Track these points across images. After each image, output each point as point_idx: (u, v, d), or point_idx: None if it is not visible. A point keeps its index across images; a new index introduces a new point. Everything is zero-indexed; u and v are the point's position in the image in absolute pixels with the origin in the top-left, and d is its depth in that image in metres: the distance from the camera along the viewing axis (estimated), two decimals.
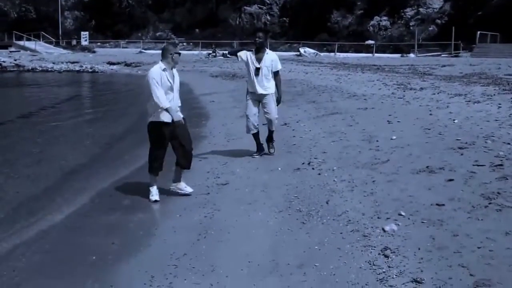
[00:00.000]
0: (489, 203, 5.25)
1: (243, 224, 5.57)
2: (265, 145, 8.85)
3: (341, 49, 50.43)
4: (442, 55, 41.10)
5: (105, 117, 16.03)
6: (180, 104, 6.70)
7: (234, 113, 13.80)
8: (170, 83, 6.43)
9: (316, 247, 4.73)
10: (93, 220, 6.09)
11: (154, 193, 6.67)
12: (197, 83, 22.78)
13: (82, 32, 58.08)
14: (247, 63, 8.45)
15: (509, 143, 7.54)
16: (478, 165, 6.62)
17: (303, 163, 7.91)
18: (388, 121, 10.50)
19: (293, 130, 10.88)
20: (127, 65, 42.02)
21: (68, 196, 7.16)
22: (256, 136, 8.72)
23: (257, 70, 8.30)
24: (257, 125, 8.56)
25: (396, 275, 4.02)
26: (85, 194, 7.19)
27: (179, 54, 6.64)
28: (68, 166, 8.98)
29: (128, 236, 5.50)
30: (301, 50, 46.85)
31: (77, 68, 39.13)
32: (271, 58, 8.43)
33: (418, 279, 3.91)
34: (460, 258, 4.17)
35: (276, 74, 8.48)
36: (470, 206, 5.24)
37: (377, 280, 3.98)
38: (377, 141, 8.80)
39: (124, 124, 14.02)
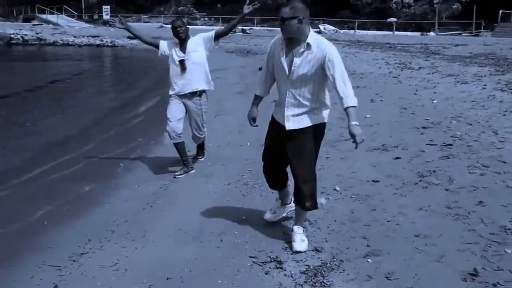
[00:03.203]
0: (420, 181, 5.47)
1: (191, 196, 5.88)
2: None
3: (362, 27, 49.88)
4: (463, 34, 40.48)
5: (111, 91, 16.49)
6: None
7: (234, 89, 14.13)
8: None
9: (243, 217, 5.03)
10: (58, 189, 6.48)
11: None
12: (211, 59, 22.93)
13: (103, 6, 58.52)
14: (168, 56, 6.53)
15: (471, 124, 7.68)
16: (430, 145, 6.81)
17: None
18: (371, 100, 10.65)
19: None
20: None
21: (45, 165, 7.58)
22: (179, 147, 6.66)
23: (182, 63, 6.41)
24: (181, 133, 6.53)
25: None
26: (63, 164, 7.60)
27: None
28: (55, 138, 9.40)
29: (82, 204, 5.86)
30: (321, 27, 46.41)
31: (97, 42, 39.69)
32: (196, 41, 6.52)
33: (319, 248, 4.20)
34: (367, 230, 4.44)
35: (216, 36, 6.51)
36: (401, 183, 5.48)
37: (283, 248, 4.27)
38: None
39: (122, 99, 14.47)
